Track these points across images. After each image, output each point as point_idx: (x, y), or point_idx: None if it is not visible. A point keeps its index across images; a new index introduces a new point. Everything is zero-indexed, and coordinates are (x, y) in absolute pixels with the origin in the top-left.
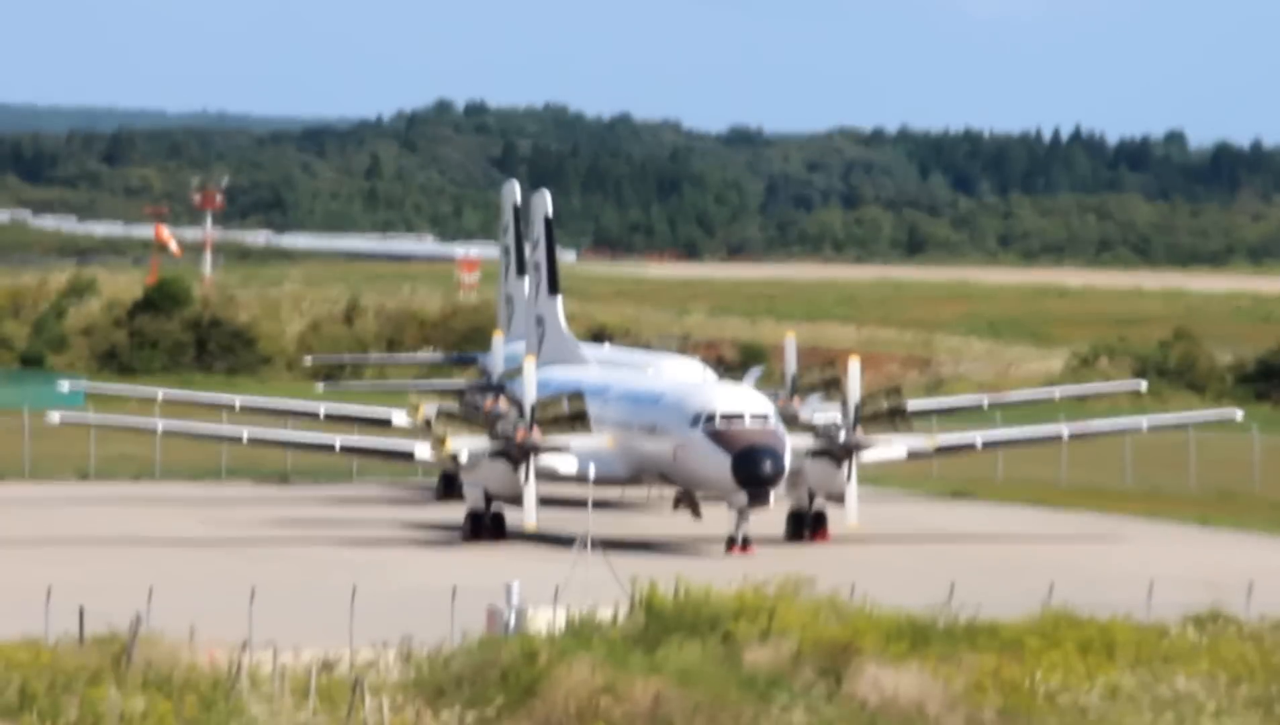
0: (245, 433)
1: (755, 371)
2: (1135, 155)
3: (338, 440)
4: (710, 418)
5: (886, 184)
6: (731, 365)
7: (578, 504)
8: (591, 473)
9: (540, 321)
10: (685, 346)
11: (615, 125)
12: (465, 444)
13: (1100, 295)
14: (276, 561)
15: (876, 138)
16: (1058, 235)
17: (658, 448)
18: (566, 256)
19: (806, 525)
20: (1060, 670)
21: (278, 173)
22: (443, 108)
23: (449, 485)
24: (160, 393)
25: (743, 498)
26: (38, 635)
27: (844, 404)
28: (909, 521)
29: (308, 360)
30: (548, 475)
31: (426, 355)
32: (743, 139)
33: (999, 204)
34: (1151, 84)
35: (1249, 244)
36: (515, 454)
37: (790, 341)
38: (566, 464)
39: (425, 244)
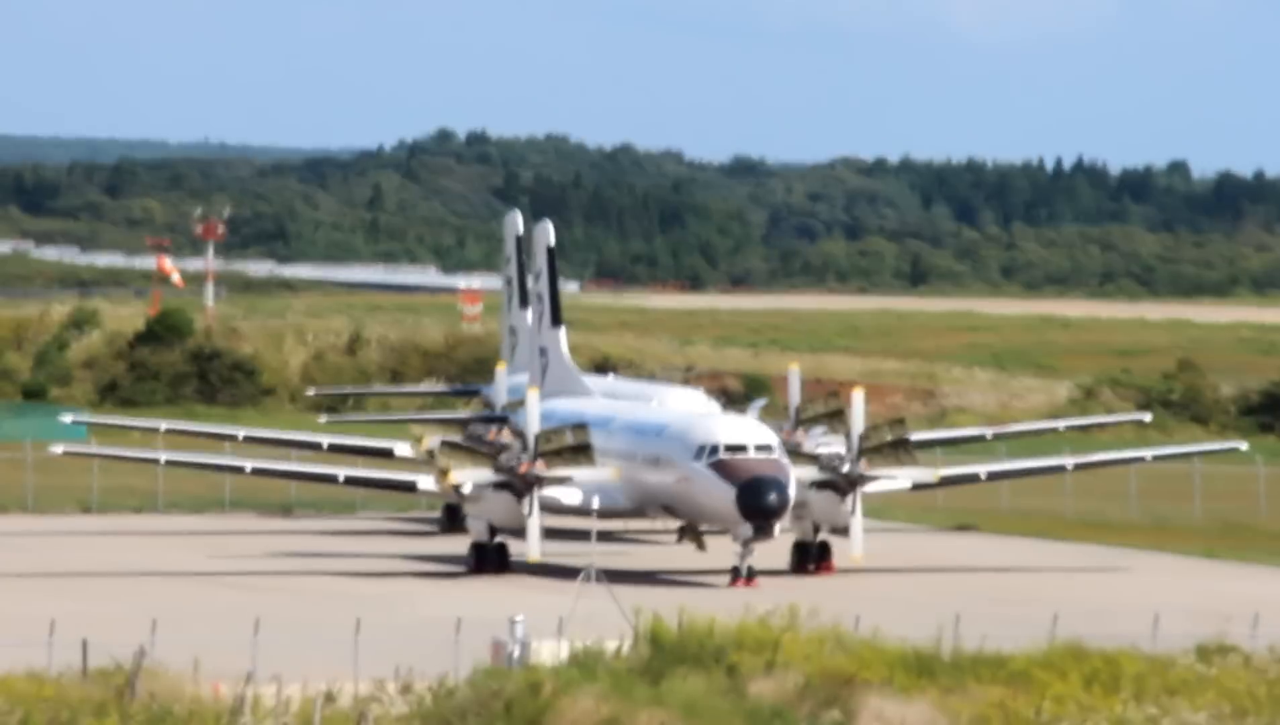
0: (249, 464)
1: (758, 403)
2: (1138, 186)
3: (341, 472)
4: (714, 449)
5: (889, 214)
6: (735, 396)
7: (582, 536)
8: (595, 505)
9: (543, 353)
10: (688, 378)
11: (617, 156)
12: (469, 476)
13: (1104, 326)
14: (280, 594)
15: (879, 168)
16: (1061, 266)
17: (661, 479)
18: (569, 287)
19: (811, 557)
20: (1066, 702)
21: (279, 203)
22: (444, 138)
23: (453, 517)
24: (163, 425)
25: (747, 529)
26: (41, 668)
27: (848, 436)
28: (913, 553)
29: (311, 392)
30: (551, 507)
31: (430, 387)
32: (745, 169)
33: (1002, 235)
34: (1154, 114)
35: (1253, 274)
36: (519, 486)
37: (794, 373)
38: (570, 496)
39: (428, 275)
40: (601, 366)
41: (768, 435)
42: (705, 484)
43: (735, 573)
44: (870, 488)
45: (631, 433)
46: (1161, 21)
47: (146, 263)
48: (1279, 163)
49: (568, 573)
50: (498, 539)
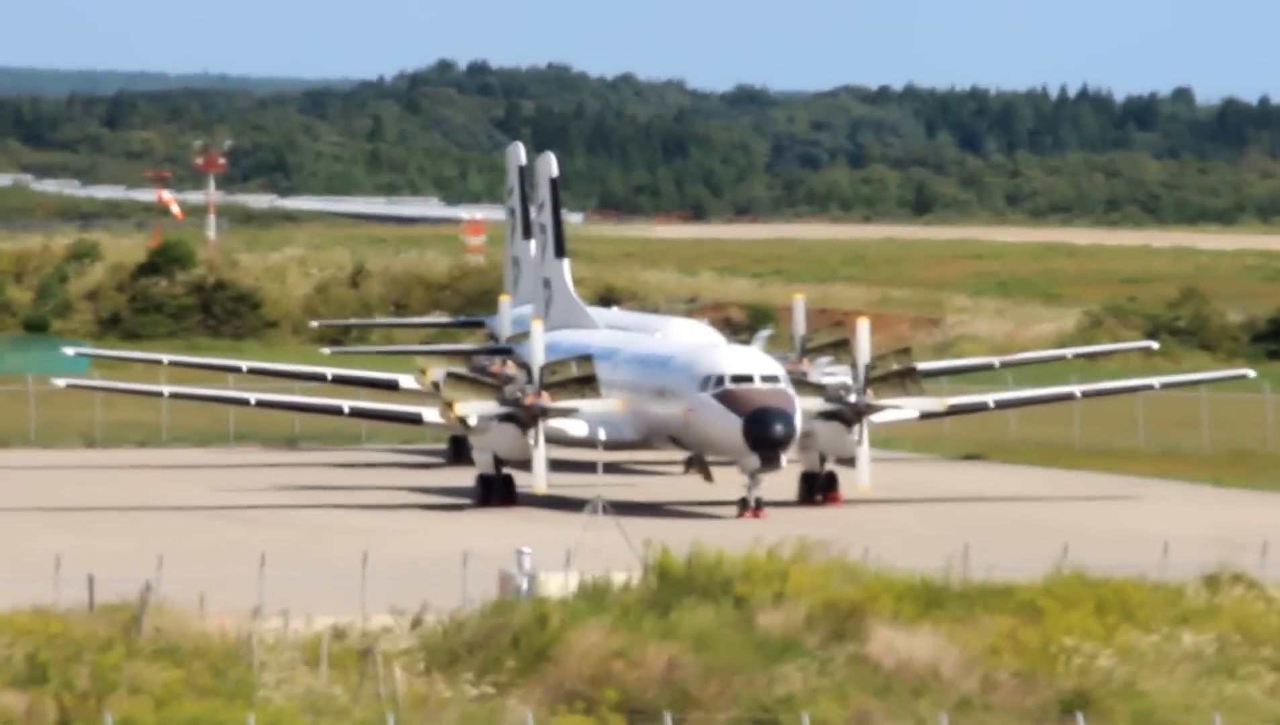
0: (253, 397)
1: (764, 333)
2: (1143, 113)
3: (346, 404)
4: (720, 380)
5: (893, 143)
6: (739, 327)
7: (588, 468)
8: (601, 436)
9: (547, 284)
10: (692, 309)
11: (619, 86)
12: (474, 408)
13: (1109, 254)
14: (286, 528)
15: (883, 96)
16: (1066, 194)
17: (668, 411)
18: (573, 218)
19: (818, 488)
20: (1076, 632)
21: (280, 135)
22: (445, 68)
23: (459, 449)
24: (166, 357)
25: (754, 460)
26: (47, 604)
27: (854, 365)
28: (921, 483)
29: (314, 324)
30: (557, 439)
31: (434, 318)
32: (748, 99)
33: (1006, 162)
34: (1158, 41)
35: (1258, 201)
36: (524, 418)
37: (799, 302)
38: (576, 427)
39: (430, 206)
40: (606, 298)
41: (774, 366)
42: (711, 415)
43: (743, 504)
44: (877, 418)
45: (637, 364)
46: None
47: (147, 195)
48: None
49: (574, 505)
50: (504, 471)
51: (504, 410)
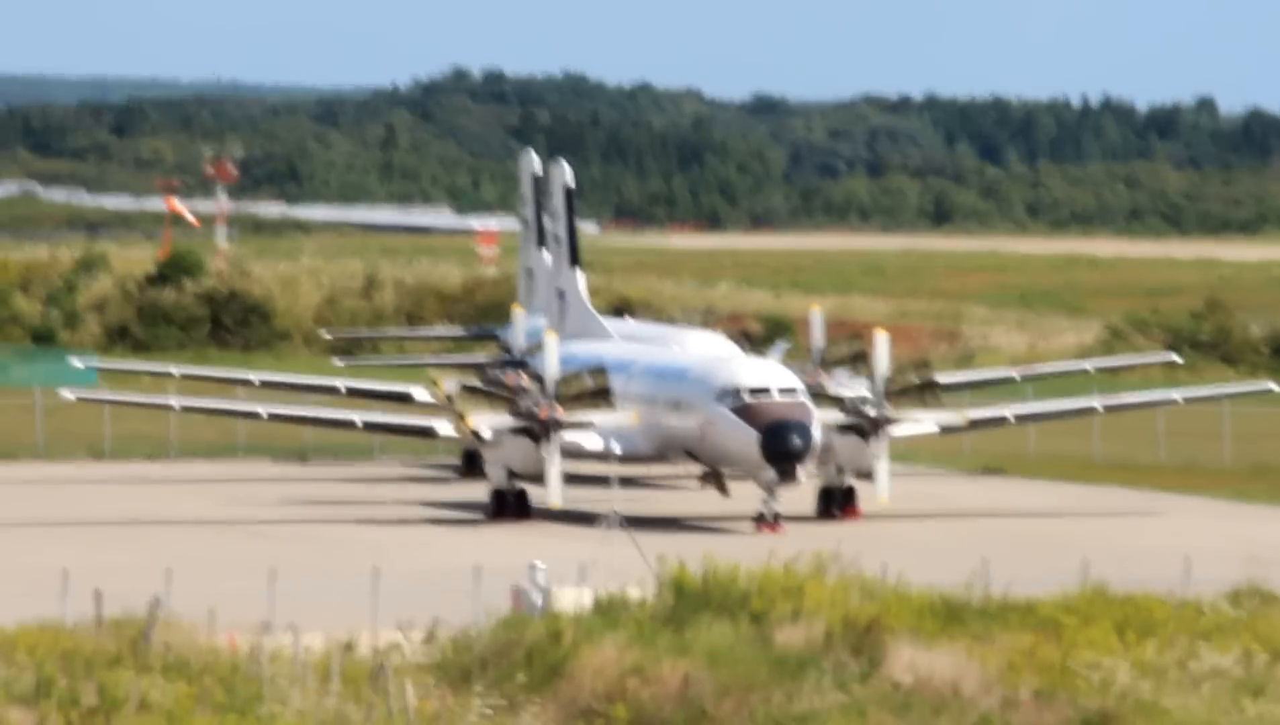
0: (264, 409)
1: (781, 345)
2: (1165, 123)
3: (358, 417)
4: (737, 393)
5: (912, 152)
6: (756, 339)
7: (602, 481)
8: (616, 450)
9: (562, 295)
10: (709, 320)
11: (635, 94)
12: (487, 421)
13: (1131, 265)
14: (297, 542)
15: (902, 105)
16: (1087, 204)
17: (683, 424)
18: (588, 228)
19: (836, 502)
20: (1097, 649)
21: (291, 144)
22: (459, 76)
23: (472, 463)
24: (175, 369)
25: (771, 474)
26: (55, 619)
27: (872, 378)
28: (940, 498)
29: (325, 335)
30: (571, 452)
31: (446, 330)
32: (765, 107)
33: (1027, 173)
34: (1181, 51)
35: None
36: (538, 431)
37: (816, 314)
38: (590, 441)
39: (442, 216)
40: (620, 309)
41: (791, 378)
42: (728, 428)
43: (760, 518)
44: (896, 431)
45: (652, 376)
46: None
47: (156, 204)
48: None
49: (589, 519)
50: (517, 485)
51: (518, 424)
